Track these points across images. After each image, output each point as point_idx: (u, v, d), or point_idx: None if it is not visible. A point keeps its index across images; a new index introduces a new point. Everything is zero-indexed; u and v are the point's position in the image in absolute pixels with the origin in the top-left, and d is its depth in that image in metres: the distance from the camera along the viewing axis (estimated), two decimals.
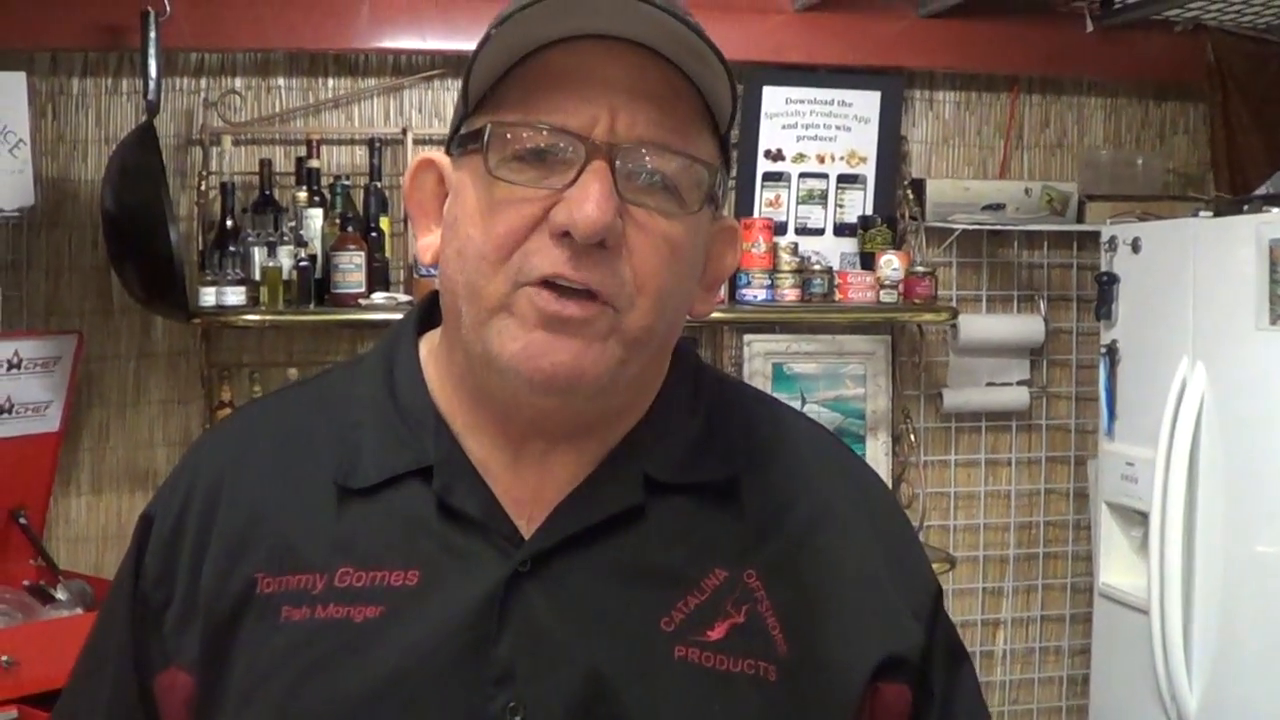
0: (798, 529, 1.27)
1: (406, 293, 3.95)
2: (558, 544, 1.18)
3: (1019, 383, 4.72)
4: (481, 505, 1.20)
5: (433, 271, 1.49)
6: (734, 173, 4.39)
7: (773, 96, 4.41)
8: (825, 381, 4.47)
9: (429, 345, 1.31)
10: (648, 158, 1.13)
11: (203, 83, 4.14)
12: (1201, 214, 3.80)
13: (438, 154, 1.26)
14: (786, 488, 1.29)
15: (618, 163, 1.12)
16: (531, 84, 1.15)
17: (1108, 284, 4.08)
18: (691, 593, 1.19)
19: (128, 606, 1.28)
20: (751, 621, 1.20)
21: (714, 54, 1.13)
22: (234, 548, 1.22)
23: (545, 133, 1.13)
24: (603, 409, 1.22)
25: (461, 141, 1.20)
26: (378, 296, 3.87)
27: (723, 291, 4.20)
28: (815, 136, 4.45)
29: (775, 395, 1.55)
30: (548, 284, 1.12)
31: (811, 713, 1.20)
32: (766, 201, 4.43)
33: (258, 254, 3.86)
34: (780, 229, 4.39)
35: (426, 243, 1.26)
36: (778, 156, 4.43)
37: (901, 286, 4.29)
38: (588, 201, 1.09)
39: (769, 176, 4.43)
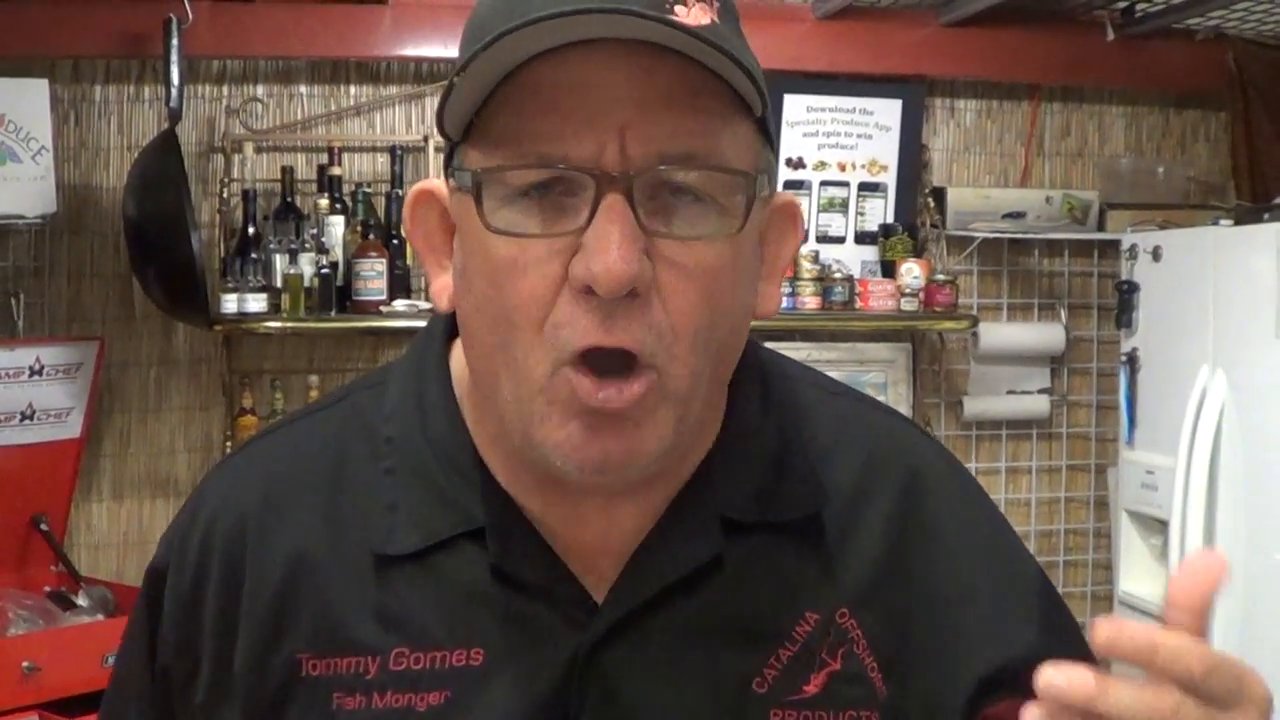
0: (883, 549, 1.12)
1: (428, 300, 3.95)
2: (634, 609, 1.05)
3: (1039, 391, 4.71)
4: (544, 570, 1.06)
5: None
6: None
7: (794, 104, 4.40)
8: None
9: (459, 369, 1.12)
10: (670, 178, 0.94)
11: (225, 90, 4.15)
12: (1222, 222, 3.80)
13: (436, 182, 1.08)
14: (867, 502, 1.14)
15: (636, 192, 0.93)
16: (520, 108, 0.95)
17: (1128, 292, 4.08)
18: (783, 645, 1.07)
19: (147, 683, 1.14)
20: (849, 666, 1.08)
21: (707, 44, 0.92)
22: (269, 620, 1.08)
23: (546, 171, 0.94)
24: (665, 463, 1.03)
25: (455, 177, 1.01)
26: (399, 304, 3.88)
27: None
28: (836, 145, 4.45)
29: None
30: (585, 358, 0.95)
31: None
32: None
33: (279, 261, 3.87)
34: None
35: (441, 284, 1.07)
36: (799, 164, 4.42)
37: (922, 294, 4.29)
38: (608, 251, 0.91)
39: (790, 184, 4.41)
